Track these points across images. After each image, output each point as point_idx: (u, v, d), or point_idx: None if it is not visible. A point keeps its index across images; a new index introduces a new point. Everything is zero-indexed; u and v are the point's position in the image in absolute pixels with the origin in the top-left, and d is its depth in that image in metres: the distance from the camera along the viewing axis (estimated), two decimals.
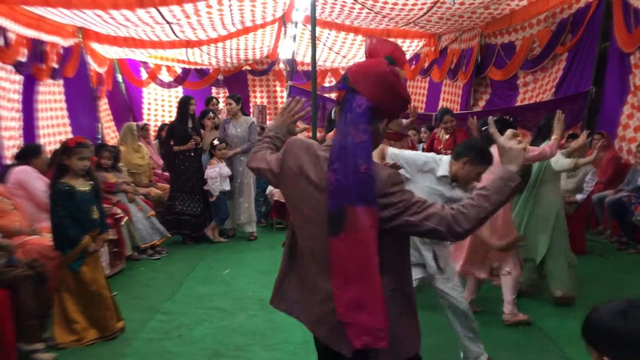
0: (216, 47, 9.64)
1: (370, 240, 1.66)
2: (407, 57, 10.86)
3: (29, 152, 5.09)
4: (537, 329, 4.23)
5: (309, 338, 4.07)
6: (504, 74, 8.41)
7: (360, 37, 9.55)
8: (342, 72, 9.44)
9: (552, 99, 7.32)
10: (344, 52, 10.25)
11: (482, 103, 8.99)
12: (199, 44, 9.18)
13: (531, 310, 4.56)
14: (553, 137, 4.39)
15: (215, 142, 6.61)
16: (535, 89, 7.90)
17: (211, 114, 7.25)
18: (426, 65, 10.68)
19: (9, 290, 3.60)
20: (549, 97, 7.41)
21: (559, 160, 4.44)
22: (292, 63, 10.26)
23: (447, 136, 6.44)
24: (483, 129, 4.44)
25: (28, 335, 3.64)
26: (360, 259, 1.67)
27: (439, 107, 9.86)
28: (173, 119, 8.41)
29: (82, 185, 3.90)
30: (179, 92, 11.02)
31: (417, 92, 11.16)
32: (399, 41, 9.87)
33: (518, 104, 8.02)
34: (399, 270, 1.85)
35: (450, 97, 9.89)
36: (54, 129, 7.34)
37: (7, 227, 4.18)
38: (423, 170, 3.25)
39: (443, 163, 3.23)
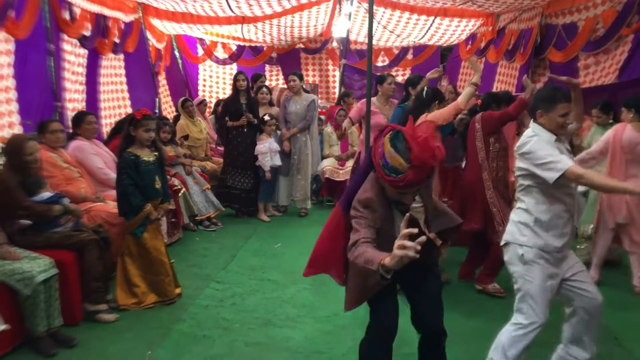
0: (271, 24, 9.66)
1: None
2: (463, 37, 10.64)
3: (77, 120, 5.10)
4: None
5: (358, 312, 4.13)
6: (564, 56, 8.11)
7: (415, 16, 9.40)
8: (396, 52, 9.26)
9: (615, 82, 7.05)
10: (398, 31, 10.11)
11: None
12: (254, 20, 9.22)
13: None
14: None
15: (266, 117, 6.72)
16: (597, 72, 7.60)
17: (264, 89, 7.31)
18: (482, 45, 10.38)
19: (76, 252, 3.80)
20: (611, 81, 7.13)
21: None
22: (346, 42, 10.20)
23: None
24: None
25: (93, 296, 3.84)
26: None
27: (494, 89, 9.64)
28: (227, 95, 8.52)
29: (147, 156, 4.06)
30: (233, 68, 11.12)
31: (472, 73, 10.89)
32: (455, 20, 9.69)
33: None
34: None
35: (506, 79, 9.62)
36: (114, 102, 7.56)
37: (74, 193, 4.39)
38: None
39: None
